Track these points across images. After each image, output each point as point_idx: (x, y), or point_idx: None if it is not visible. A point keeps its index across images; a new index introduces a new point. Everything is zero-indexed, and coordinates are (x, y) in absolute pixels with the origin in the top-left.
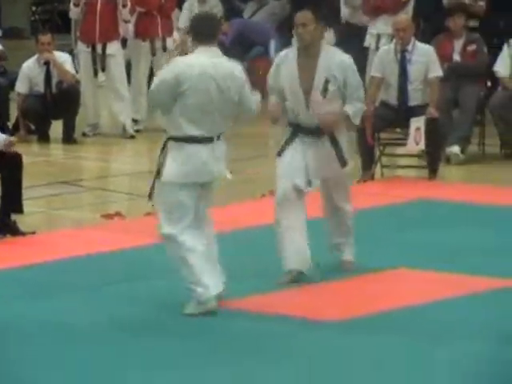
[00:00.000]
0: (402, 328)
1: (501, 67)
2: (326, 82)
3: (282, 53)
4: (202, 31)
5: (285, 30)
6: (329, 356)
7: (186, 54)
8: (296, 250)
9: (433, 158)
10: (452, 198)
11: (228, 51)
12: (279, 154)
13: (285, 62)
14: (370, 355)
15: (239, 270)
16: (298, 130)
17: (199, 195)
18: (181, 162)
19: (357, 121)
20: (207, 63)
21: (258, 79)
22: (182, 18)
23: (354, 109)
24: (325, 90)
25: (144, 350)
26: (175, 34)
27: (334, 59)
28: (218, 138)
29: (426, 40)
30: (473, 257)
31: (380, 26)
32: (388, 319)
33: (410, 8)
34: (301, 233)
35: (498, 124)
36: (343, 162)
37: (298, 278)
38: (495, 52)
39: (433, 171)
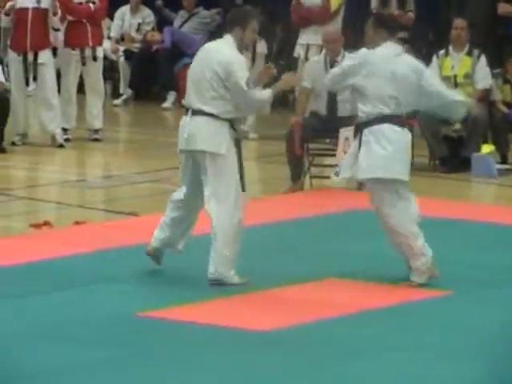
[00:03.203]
0: (330, 339)
1: None
2: None
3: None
4: (227, 21)
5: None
6: (253, 366)
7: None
8: None
9: None
10: None
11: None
12: None
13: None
14: (295, 366)
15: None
16: None
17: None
18: None
19: None
20: (206, 47)
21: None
22: (114, 27)
23: None
24: None
25: (65, 360)
26: (105, 43)
27: None
28: (195, 112)
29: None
30: (402, 267)
31: (309, 37)
32: (315, 330)
33: (339, 19)
34: None
35: (427, 136)
36: None
37: None
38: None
39: (361, 182)
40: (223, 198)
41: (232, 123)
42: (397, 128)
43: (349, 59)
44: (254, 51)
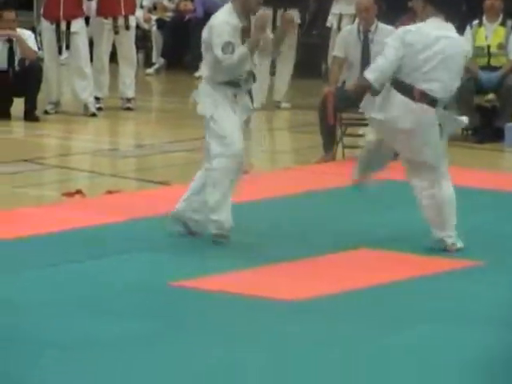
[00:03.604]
0: (361, 309)
1: None
2: None
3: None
4: None
5: None
6: (281, 336)
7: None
8: None
9: None
10: None
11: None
12: None
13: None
14: (325, 336)
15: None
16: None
17: None
18: None
19: None
20: None
21: None
22: None
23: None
24: None
25: (99, 330)
26: (138, 12)
27: None
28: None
29: (389, 22)
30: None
31: (342, 7)
32: (347, 299)
33: None
34: None
35: (460, 105)
36: None
37: None
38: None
39: (395, 152)
40: (214, 155)
41: (233, 84)
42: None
43: (389, 48)
44: None
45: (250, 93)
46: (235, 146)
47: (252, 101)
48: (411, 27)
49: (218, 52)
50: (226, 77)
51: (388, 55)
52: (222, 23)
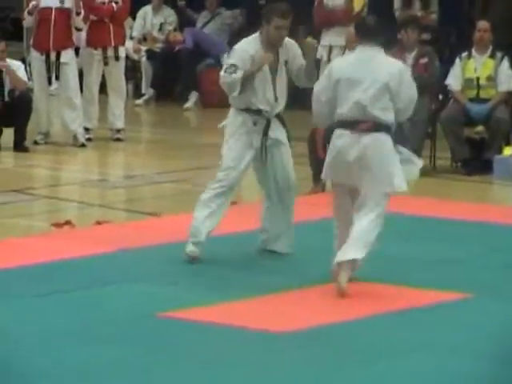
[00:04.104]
0: (351, 340)
1: (452, 81)
2: None
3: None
4: None
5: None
6: (268, 367)
7: None
8: None
9: None
10: (402, 210)
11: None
12: None
13: None
14: (313, 367)
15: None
16: None
17: None
18: None
19: None
20: None
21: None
22: (136, 27)
23: None
24: None
25: (85, 360)
26: (127, 43)
27: None
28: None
29: None
30: (425, 270)
31: (332, 38)
32: (337, 330)
33: None
34: None
35: (449, 137)
36: None
37: None
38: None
39: None
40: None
41: (253, 112)
42: None
43: None
44: None
45: (280, 119)
46: (228, 181)
47: (284, 126)
48: None
49: (222, 71)
50: (240, 103)
51: None
52: (240, 49)
